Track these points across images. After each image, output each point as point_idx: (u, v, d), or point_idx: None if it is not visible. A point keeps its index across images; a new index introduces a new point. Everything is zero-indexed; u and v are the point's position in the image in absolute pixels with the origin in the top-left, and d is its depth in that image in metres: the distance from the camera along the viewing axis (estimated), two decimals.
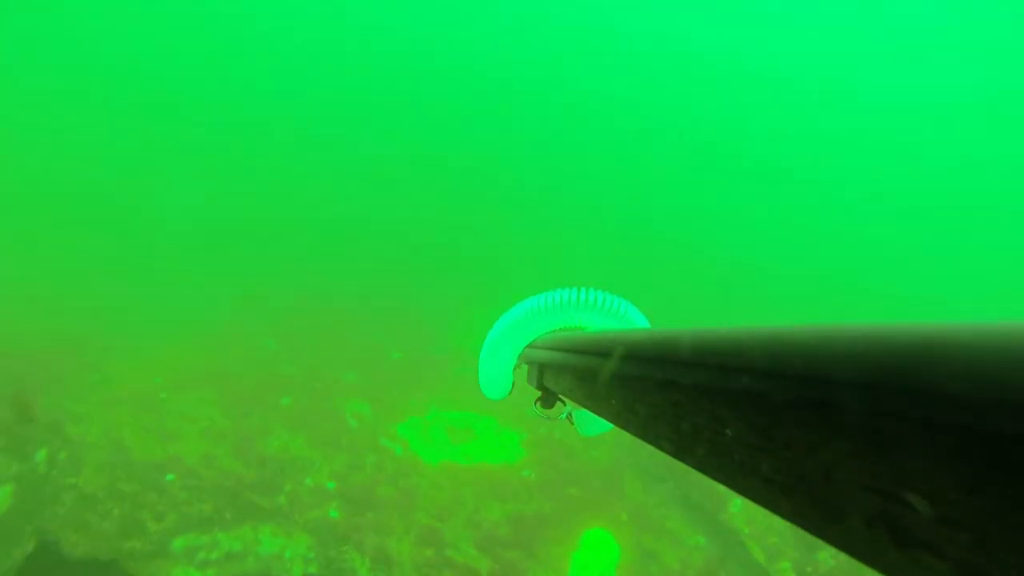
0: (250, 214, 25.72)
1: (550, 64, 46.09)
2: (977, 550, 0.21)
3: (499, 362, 1.10)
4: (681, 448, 0.45)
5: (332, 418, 9.52)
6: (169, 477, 7.24)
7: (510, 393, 1.18)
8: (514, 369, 1.14)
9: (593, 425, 1.11)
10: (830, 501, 0.29)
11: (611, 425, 0.75)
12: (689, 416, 0.41)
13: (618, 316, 0.98)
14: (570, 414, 1.09)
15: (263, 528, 6.50)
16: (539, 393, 1.02)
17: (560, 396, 0.99)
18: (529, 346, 1.05)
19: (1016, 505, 0.20)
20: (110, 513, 6.27)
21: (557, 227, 32.36)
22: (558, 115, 45.94)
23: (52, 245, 17.96)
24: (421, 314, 15.59)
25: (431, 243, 26.23)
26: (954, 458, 0.22)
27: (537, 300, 1.02)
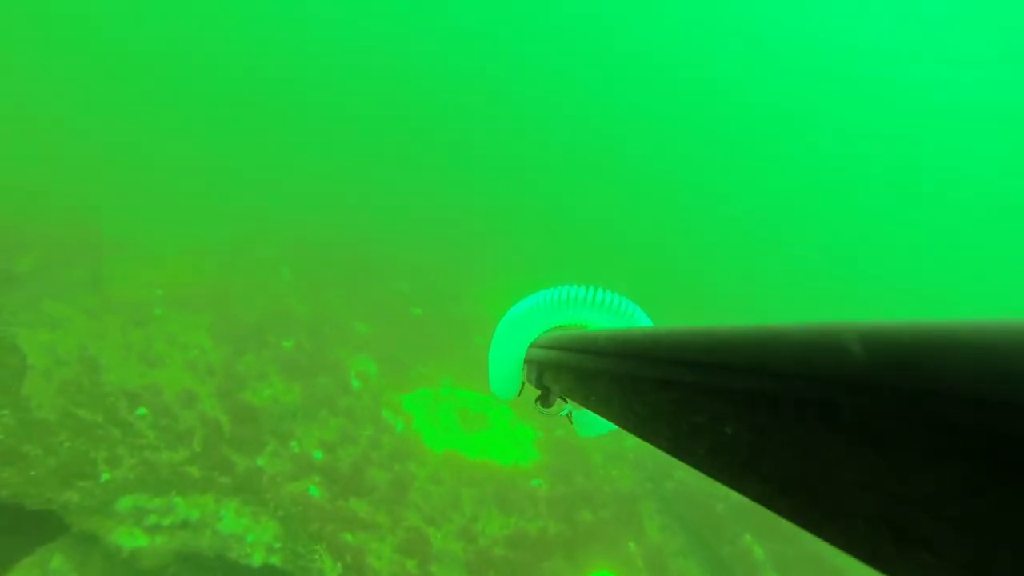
0: (283, 133, 24.72)
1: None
2: (976, 550, 0.21)
3: (507, 360, 1.08)
4: (680, 447, 0.44)
5: (334, 372, 8.52)
6: (140, 411, 6.32)
7: (520, 394, 1.13)
8: (523, 369, 1.09)
9: (593, 426, 1.09)
10: (831, 500, 0.28)
11: (611, 426, 0.82)
12: (688, 415, 0.41)
13: (622, 315, 0.98)
14: (570, 413, 1.05)
15: (228, 503, 5.54)
16: (539, 392, 1.00)
17: (560, 395, 0.93)
18: (530, 344, 1.02)
19: (1016, 505, 0.20)
20: (58, 447, 5.34)
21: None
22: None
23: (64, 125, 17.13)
24: (455, 274, 14.42)
25: (483, 203, 25.00)
26: (954, 457, 0.22)
27: (543, 296, 1.02)
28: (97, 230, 9.94)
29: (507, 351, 1.08)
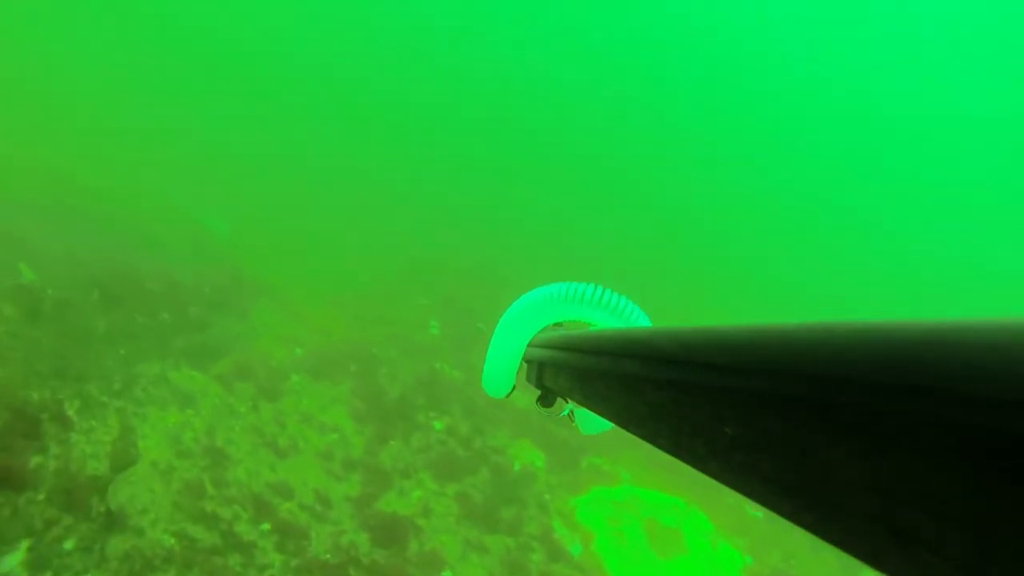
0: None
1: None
2: (977, 550, 0.21)
3: (506, 357, 1.06)
4: (681, 447, 0.43)
5: (495, 467, 6.82)
6: (264, 527, 4.94)
7: (509, 394, 1.11)
8: (519, 367, 1.08)
9: (596, 423, 1.07)
10: (830, 501, 0.28)
11: (612, 424, 0.77)
12: (689, 415, 0.41)
13: (621, 313, 0.97)
14: (571, 412, 1.05)
15: None
16: (538, 392, 1.00)
17: (561, 395, 0.92)
18: (529, 344, 1.02)
19: (1017, 505, 0.20)
20: None
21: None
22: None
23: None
24: None
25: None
26: (955, 457, 0.22)
27: (543, 292, 1.02)
28: (239, 272, 9.16)
29: (506, 347, 1.06)
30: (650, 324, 0.93)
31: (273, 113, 26.98)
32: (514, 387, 1.11)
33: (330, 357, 7.57)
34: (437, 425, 7.10)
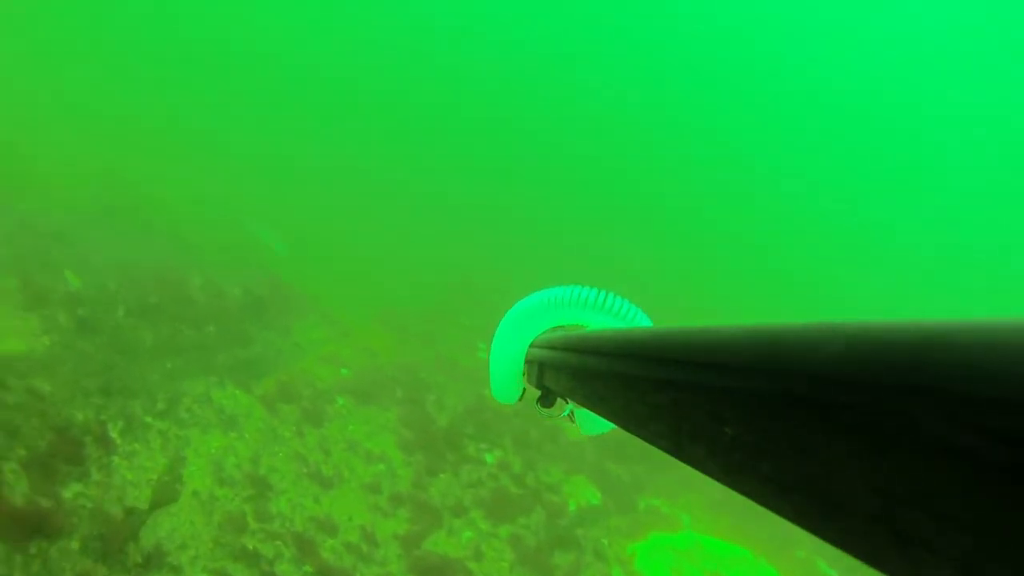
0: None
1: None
2: (977, 550, 0.21)
3: (509, 360, 1.07)
4: (680, 448, 0.43)
5: (549, 505, 6.34)
6: (306, 568, 4.56)
7: (520, 398, 1.11)
8: (524, 372, 1.08)
9: (597, 423, 1.06)
10: (830, 501, 0.28)
11: (613, 424, 0.76)
12: (688, 416, 0.41)
13: (623, 317, 0.98)
14: (572, 412, 1.03)
15: None
16: (539, 393, 1.00)
17: (561, 395, 0.92)
18: (529, 344, 1.03)
19: (1017, 505, 0.20)
20: None
21: None
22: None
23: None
24: None
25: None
26: (955, 457, 0.22)
27: (543, 296, 1.03)
28: (284, 285, 8.93)
29: (508, 351, 1.07)
30: (651, 325, 0.95)
31: (319, 125, 27.26)
32: (525, 390, 1.11)
33: (376, 379, 7.22)
34: (488, 458, 6.66)
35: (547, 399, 0.96)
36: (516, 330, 1.05)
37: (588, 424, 1.07)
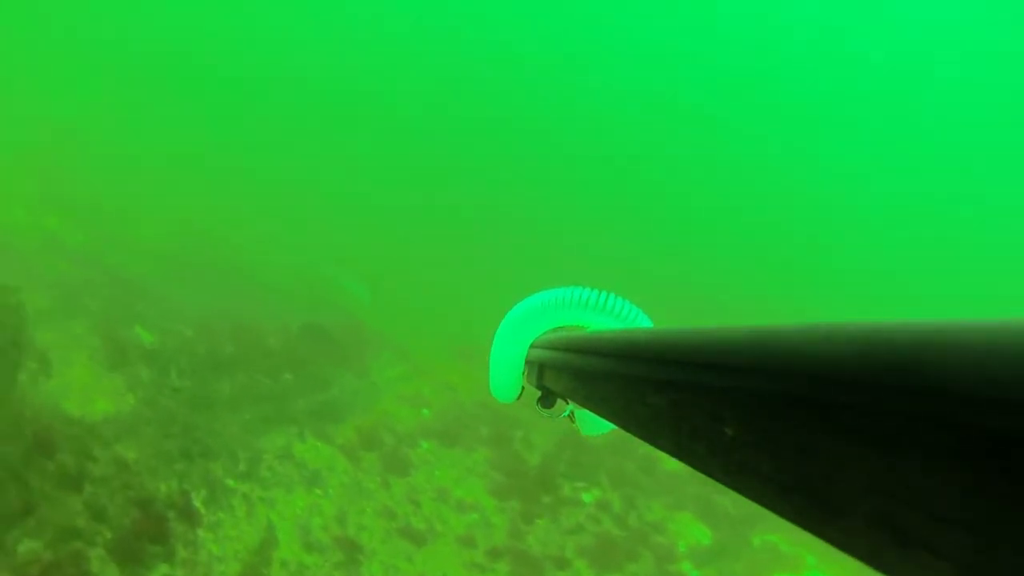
0: None
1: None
2: (977, 550, 0.21)
3: (508, 360, 1.07)
4: (681, 448, 0.43)
5: (656, 549, 5.71)
6: None
7: (519, 396, 1.11)
8: (524, 370, 1.09)
9: (596, 424, 1.04)
10: (830, 501, 0.29)
11: (612, 425, 0.77)
12: (688, 416, 0.41)
13: (624, 318, 0.99)
14: (572, 413, 1.03)
15: None
16: (539, 393, 1.01)
17: (561, 396, 0.93)
18: (530, 345, 1.02)
19: (1017, 505, 0.20)
20: None
21: None
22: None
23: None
24: None
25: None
26: (955, 457, 0.22)
27: (545, 296, 1.03)
28: (362, 323, 8.72)
29: (508, 351, 1.08)
30: (651, 325, 0.97)
31: (384, 160, 27.54)
32: (523, 389, 1.11)
33: (459, 418, 6.81)
34: (586, 498, 6.10)
35: (547, 399, 0.96)
36: (517, 330, 1.06)
37: (588, 425, 1.08)
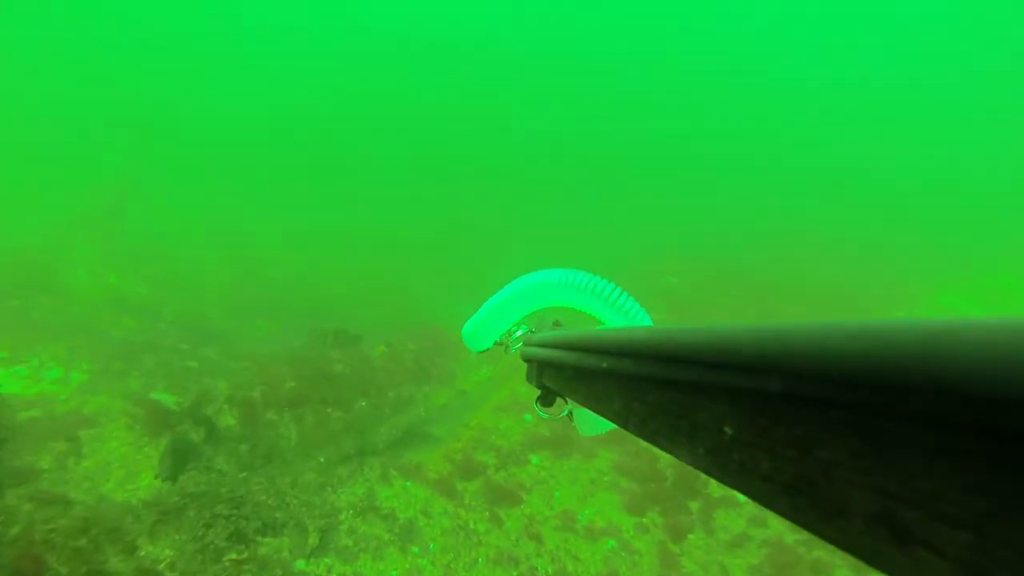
0: None
1: None
2: (977, 549, 0.21)
3: (502, 318, 1.13)
4: (679, 447, 0.44)
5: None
6: None
7: (485, 351, 1.19)
8: (502, 337, 1.16)
9: (593, 424, 1.08)
10: (830, 500, 0.28)
11: (610, 424, 0.80)
12: (688, 415, 0.41)
13: (626, 313, 1.02)
14: (570, 412, 1.06)
15: None
16: (539, 392, 1.01)
17: (560, 394, 0.94)
18: (527, 344, 1.02)
19: (1016, 504, 0.20)
20: None
21: None
22: None
23: None
24: None
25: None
26: (954, 456, 0.22)
27: (547, 274, 1.08)
28: (437, 328, 7.71)
29: (507, 310, 1.10)
30: (651, 324, 0.94)
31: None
32: (490, 348, 1.17)
33: (563, 420, 5.64)
34: (742, 497, 4.79)
35: (547, 398, 0.96)
36: (526, 296, 1.08)
37: (586, 425, 1.09)
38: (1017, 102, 37.33)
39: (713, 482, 4.90)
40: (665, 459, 5.13)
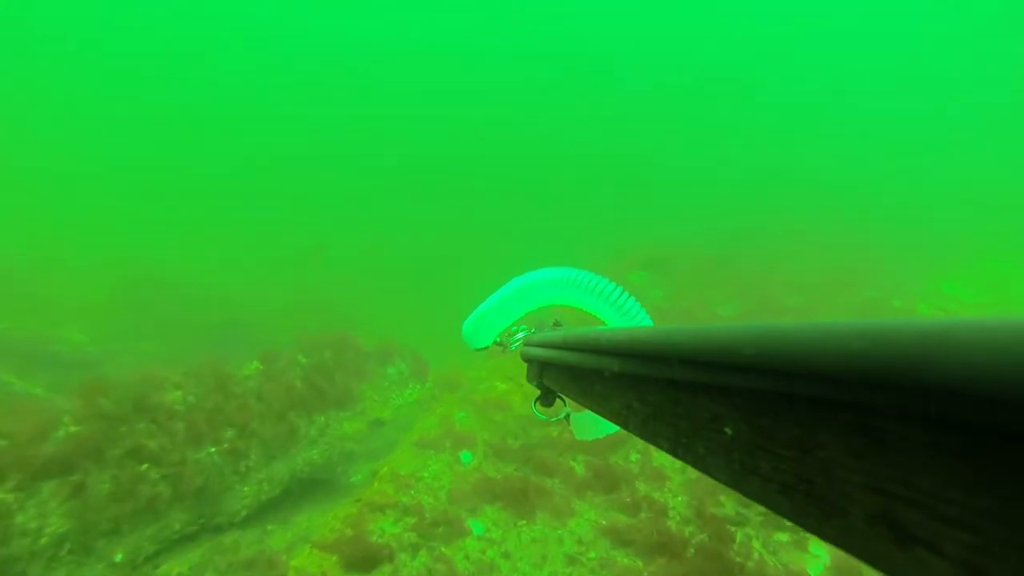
0: None
1: None
2: (977, 549, 0.21)
3: (503, 316, 1.11)
4: (680, 447, 0.43)
5: None
6: None
7: (483, 350, 1.15)
8: (501, 336, 1.14)
9: (591, 428, 1.08)
10: (830, 500, 0.28)
11: (610, 429, 0.85)
12: (688, 415, 0.41)
13: (627, 313, 1.02)
14: (568, 415, 1.06)
15: None
16: (539, 393, 0.99)
17: (560, 395, 0.94)
18: (528, 344, 0.98)
19: (1016, 503, 0.20)
20: None
21: None
22: None
23: None
24: None
25: None
26: (954, 456, 0.22)
27: (549, 273, 1.07)
28: (351, 338, 5.81)
29: (509, 307, 1.08)
30: (651, 324, 0.92)
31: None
32: (489, 346, 1.13)
33: (528, 456, 3.82)
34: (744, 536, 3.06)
35: (547, 398, 0.94)
36: (529, 293, 1.08)
37: (583, 429, 1.07)
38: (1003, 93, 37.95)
39: (767, 552, 3.17)
40: (677, 507, 3.38)
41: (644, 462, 3.78)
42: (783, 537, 3.10)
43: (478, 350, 1.15)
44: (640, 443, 3.90)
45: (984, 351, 0.21)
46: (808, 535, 3.11)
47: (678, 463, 3.84)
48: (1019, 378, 0.19)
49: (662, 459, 3.80)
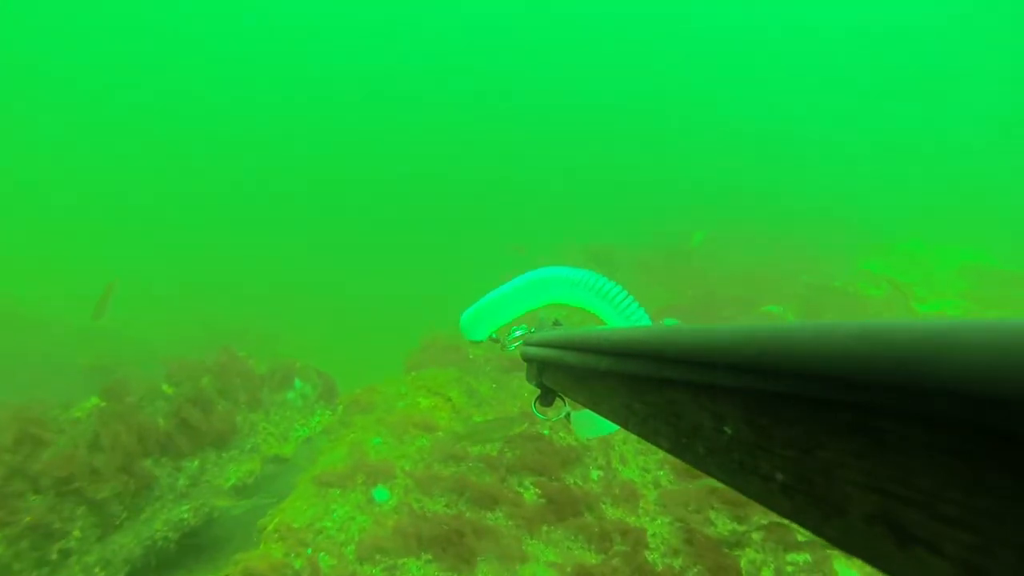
0: None
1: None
2: (977, 549, 0.21)
3: (505, 310, 1.10)
4: (680, 446, 0.43)
5: None
6: None
7: (481, 343, 1.13)
8: (499, 332, 1.13)
9: (592, 426, 1.07)
10: (830, 500, 0.28)
11: (611, 427, 0.84)
12: (688, 414, 0.40)
13: (626, 313, 1.01)
14: (568, 414, 1.05)
15: None
16: (538, 392, 0.99)
17: (559, 395, 0.95)
18: (527, 343, 0.98)
19: (1016, 503, 0.20)
20: None
21: None
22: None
23: None
24: None
25: None
26: (954, 456, 0.22)
27: (551, 271, 1.07)
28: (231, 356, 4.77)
29: (512, 303, 1.08)
30: (650, 324, 0.91)
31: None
32: (483, 340, 1.13)
33: (453, 486, 2.97)
34: None
35: (546, 398, 0.94)
36: (534, 290, 1.07)
37: (583, 427, 1.07)
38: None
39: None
40: (659, 532, 2.63)
41: (608, 479, 3.02)
42: (798, 558, 2.41)
43: (474, 343, 1.11)
44: (602, 458, 3.13)
45: (984, 351, 0.20)
46: (832, 551, 2.46)
47: (650, 475, 3.11)
48: (1019, 378, 0.19)
49: (630, 472, 3.05)
